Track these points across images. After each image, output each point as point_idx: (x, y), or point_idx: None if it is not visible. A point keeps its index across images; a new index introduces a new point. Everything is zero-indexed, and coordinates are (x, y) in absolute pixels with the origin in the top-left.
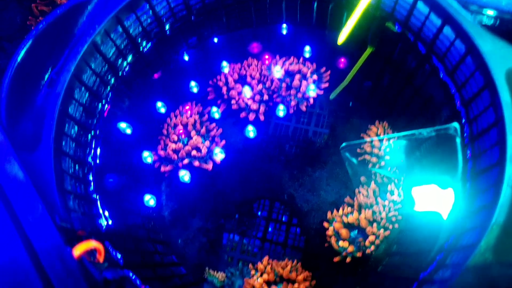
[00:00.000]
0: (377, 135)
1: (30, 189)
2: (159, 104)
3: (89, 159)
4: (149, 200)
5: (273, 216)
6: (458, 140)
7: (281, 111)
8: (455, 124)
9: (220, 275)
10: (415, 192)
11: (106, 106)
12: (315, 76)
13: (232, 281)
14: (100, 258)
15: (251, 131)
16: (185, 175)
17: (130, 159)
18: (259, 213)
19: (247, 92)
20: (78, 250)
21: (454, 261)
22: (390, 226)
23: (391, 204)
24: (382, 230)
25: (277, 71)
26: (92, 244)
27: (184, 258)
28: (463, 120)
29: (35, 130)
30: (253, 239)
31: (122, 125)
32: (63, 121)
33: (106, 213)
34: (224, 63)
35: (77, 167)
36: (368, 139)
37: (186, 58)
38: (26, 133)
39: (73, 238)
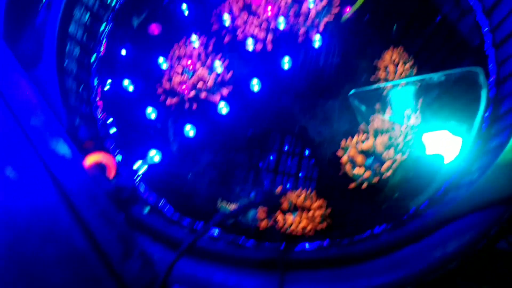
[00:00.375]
0: (392, 61)
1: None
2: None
3: (94, 82)
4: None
5: (284, 149)
6: (480, 84)
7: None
8: (478, 69)
9: (233, 206)
10: (425, 138)
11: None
12: (325, 1)
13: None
14: (111, 174)
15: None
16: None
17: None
18: (270, 146)
19: (252, 20)
20: (89, 160)
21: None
22: (408, 151)
23: (408, 128)
24: (400, 155)
25: None
26: (102, 156)
27: (194, 192)
28: (490, 65)
29: (34, 50)
30: (264, 172)
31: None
32: (64, 40)
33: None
34: None
35: (80, 89)
36: (380, 84)
37: None
38: (25, 53)
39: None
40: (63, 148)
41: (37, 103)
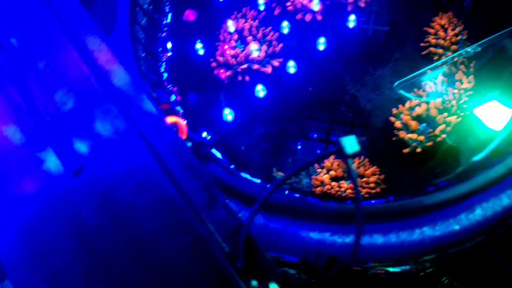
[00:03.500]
0: (442, 27)
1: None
2: None
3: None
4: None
5: (336, 117)
6: None
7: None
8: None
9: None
10: (477, 112)
11: None
12: None
13: (300, 179)
14: (183, 135)
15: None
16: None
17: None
18: (322, 115)
19: None
20: (168, 120)
21: None
22: (462, 114)
23: (461, 91)
24: (454, 117)
25: None
26: (177, 119)
27: (249, 163)
28: None
29: (107, 20)
30: (316, 142)
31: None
32: (135, 10)
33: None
34: None
35: (149, 57)
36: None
37: None
38: (98, 24)
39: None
40: (148, 106)
41: (120, 66)
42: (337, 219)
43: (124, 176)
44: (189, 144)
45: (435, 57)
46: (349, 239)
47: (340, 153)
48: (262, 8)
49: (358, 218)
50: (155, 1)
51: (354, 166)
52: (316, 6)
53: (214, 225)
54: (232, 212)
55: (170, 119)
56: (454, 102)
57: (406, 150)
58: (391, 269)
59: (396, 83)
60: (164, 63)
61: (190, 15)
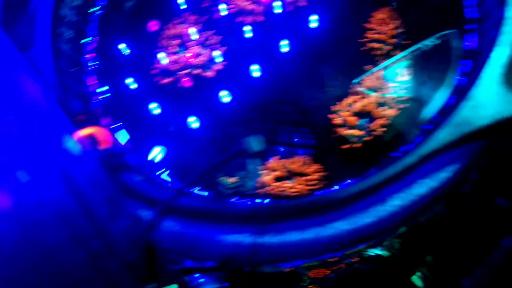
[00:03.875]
0: (381, 21)
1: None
2: None
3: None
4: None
5: (281, 118)
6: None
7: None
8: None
9: (232, 179)
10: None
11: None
12: None
13: (244, 182)
14: (103, 145)
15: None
16: None
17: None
18: (267, 117)
19: None
20: (81, 133)
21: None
22: (401, 106)
23: (399, 84)
24: (391, 110)
25: None
26: (94, 130)
27: (194, 169)
28: None
29: (28, 34)
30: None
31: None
32: (57, 22)
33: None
34: None
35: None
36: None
37: None
38: (19, 36)
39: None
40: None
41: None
42: (253, 219)
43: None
44: (103, 152)
45: (377, 52)
46: (265, 239)
47: (245, 153)
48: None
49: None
50: (82, 12)
51: (297, 165)
52: (257, 7)
53: (116, 236)
54: (138, 222)
55: (84, 132)
56: (391, 97)
57: (345, 146)
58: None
59: (356, 80)
60: (92, 72)
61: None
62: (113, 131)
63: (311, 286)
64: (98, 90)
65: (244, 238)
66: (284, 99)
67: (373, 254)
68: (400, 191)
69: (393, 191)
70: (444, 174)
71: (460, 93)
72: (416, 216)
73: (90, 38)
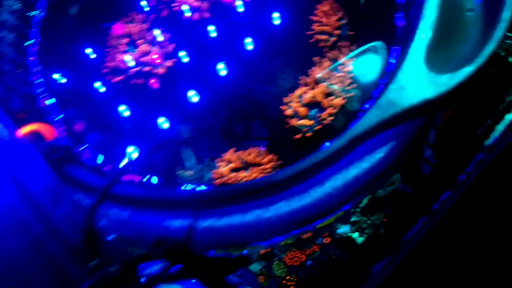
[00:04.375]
0: (324, 13)
1: None
2: None
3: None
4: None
5: (233, 112)
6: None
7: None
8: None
9: (189, 173)
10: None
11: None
12: None
13: (202, 175)
14: (49, 138)
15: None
16: None
17: None
18: (221, 112)
19: None
20: (23, 130)
21: None
22: (347, 95)
23: (345, 74)
24: (338, 99)
25: None
26: (37, 126)
27: (152, 166)
28: None
29: None
30: (217, 137)
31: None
32: None
33: None
34: None
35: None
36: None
37: None
38: None
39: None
40: None
41: None
42: (197, 204)
43: None
44: (44, 146)
45: (322, 44)
46: (209, 222)
47: (176, 140)
48: (148, 10)
49: None
50: (23, 16)
51: (252, 156)
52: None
53: (57, 222)
54: (78, 210)
55: (26, 129)
56: (339, 85)
57: (297, 136)
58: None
59: (318, 76)
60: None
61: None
62: (57, 125)
63: (288, 277)
64: (41, 90)
65: (188, 223)
66: (236, 93)
67: (344, 234)
68: (336, 173)
69: (329, 174)
70: (377, 155)
71: (388, 77)
72: (355, 195)
73: (33, 41)
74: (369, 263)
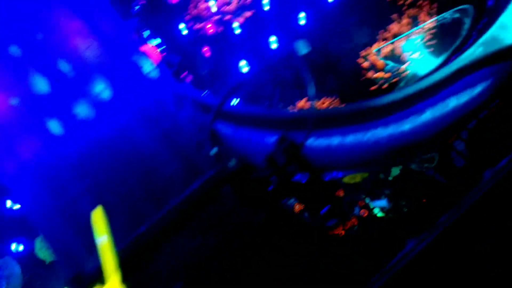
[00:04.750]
0: None
1: None
2: None
3: None
4: None
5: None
6: None
7: None
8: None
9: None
10: None
11: None
12: None
13: None
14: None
15: None
16: None
17: None
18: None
19: None
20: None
21: None
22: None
23: (426, 30)
24: (416, 54)
25: None
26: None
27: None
28: None
29: None
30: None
31: None
32: None
33: None
34: None
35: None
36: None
37: None
38: None
39: None
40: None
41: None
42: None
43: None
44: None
45: (401, 2)
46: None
47: (294, 55)
48: None
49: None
50: None
51: (325, 105)
52: None
53: (181, 121)
54: (198, 112)
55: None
56: (418, 40)
57: (373, 88)
58: None
59: (377, 49)
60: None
61: None
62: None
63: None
64: None
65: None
66: (314, 49)
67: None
68: (436, 103)
69: (429, 104)
70: (476, 90)
71: (490, 15)
72: (449, 129)
73: None
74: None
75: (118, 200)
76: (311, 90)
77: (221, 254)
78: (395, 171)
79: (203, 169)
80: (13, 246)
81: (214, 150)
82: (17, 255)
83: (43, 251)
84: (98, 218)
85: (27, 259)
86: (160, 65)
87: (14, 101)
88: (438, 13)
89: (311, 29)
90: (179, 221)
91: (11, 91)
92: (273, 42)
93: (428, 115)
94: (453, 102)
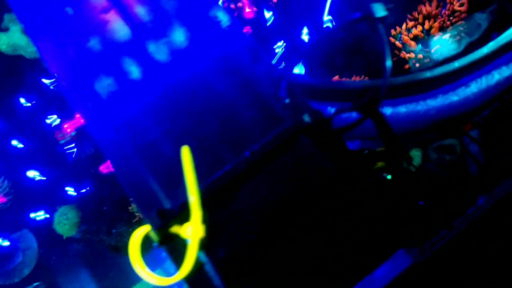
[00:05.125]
0: None
1: None
2: None
3: None
4: None
5: (335, 45)
6: None
7: None
8: None
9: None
10: None
11: None
12: None
13: None
14: None
15: None
16: None
17: None
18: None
19: None
20: None
21: None
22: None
23: (456, 13)
24: (447, 35)
25: None
26: None
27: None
28: None
29: None
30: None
31: None
32: None
33: None
34: None
35: None
36: None
37: None
38: None
39: None
40: None
41: None
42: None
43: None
44: None
45: None
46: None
47: (370, 18)
48: None
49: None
50: None
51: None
52: None
53: (258, 75)
54: (274, 67)
55: None
56: (448, 23)
57: (406, 66)
58: None
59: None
60: None
61: None
62: None
63: None
64: None
65: None
66: (340, 27)
67: None
68: (480, 76)
69: (475, 77)
70: None
71: None
72: (493, 101)
73: None
74: None
75: (197, 143)
76: (388, 60)
77: (289, 202)
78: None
79: (281, 118)
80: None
81: (287, 100)
82: (35, 227)
83: (61, 226)
84: (186, 156)
85: (45, 232)
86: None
87: (94, 43)
88: None
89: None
90: (257, 166)
91: (90, 34)
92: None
93: (472, 88)
94: (496, 76)
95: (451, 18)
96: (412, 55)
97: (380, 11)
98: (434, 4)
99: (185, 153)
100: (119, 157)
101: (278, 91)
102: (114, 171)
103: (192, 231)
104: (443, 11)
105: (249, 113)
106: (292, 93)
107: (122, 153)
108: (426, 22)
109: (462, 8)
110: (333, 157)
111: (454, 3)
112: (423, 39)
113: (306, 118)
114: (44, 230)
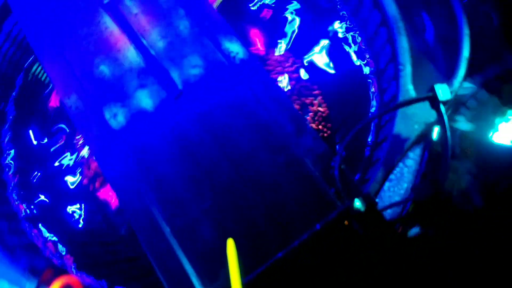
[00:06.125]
0: None
1: None
2: None
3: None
4: None
5: None
6: None
7: None
8: None
9: None
10: None
11: None
12: None
13: None
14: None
15: None
16: None
17: None
18: None
19: None
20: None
21: None
22: None
23: None
24: None
25: None
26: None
27: None
28: None
29: None
30: None
31: None
32: None
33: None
34: None
35: None
36: None
37: None
38: None
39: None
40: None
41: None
42: None
43: (221, 101)
44: None
45: None
46: None
47: (433, 99)
48: None
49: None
50: None
51: None
52: None
53: (302, 150)
54: (319, 140)
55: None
56: None
57: None
58: None
59: None
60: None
61: None
62: None
63: None
64: None
65: None
66: None
67: None
68: None
69: None
70: None
71: None
72: None
73: None
74: None
75: (239, 228)
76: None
77: None
78: None
79: (331, 203)
80: None
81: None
82: None
83: None
84: (231, 251)
85: None
86: None
87: (104, 70)
88: None
89: None
90: (305, 258)
91: (102, 60)
92: None
93: None
94: None
95: None
96: None
97: (446, 94)
98: None
99: (230, 247)
100: (152, 234)
101: (327, 169)
102: (145, 250)
103: None
104: None
105: (295, 194)
106: (342, 173)
107: (157, 229)
108: None
109: None
110: (384, 246)
111: None
112: None
113: (358, 204)
114: None
